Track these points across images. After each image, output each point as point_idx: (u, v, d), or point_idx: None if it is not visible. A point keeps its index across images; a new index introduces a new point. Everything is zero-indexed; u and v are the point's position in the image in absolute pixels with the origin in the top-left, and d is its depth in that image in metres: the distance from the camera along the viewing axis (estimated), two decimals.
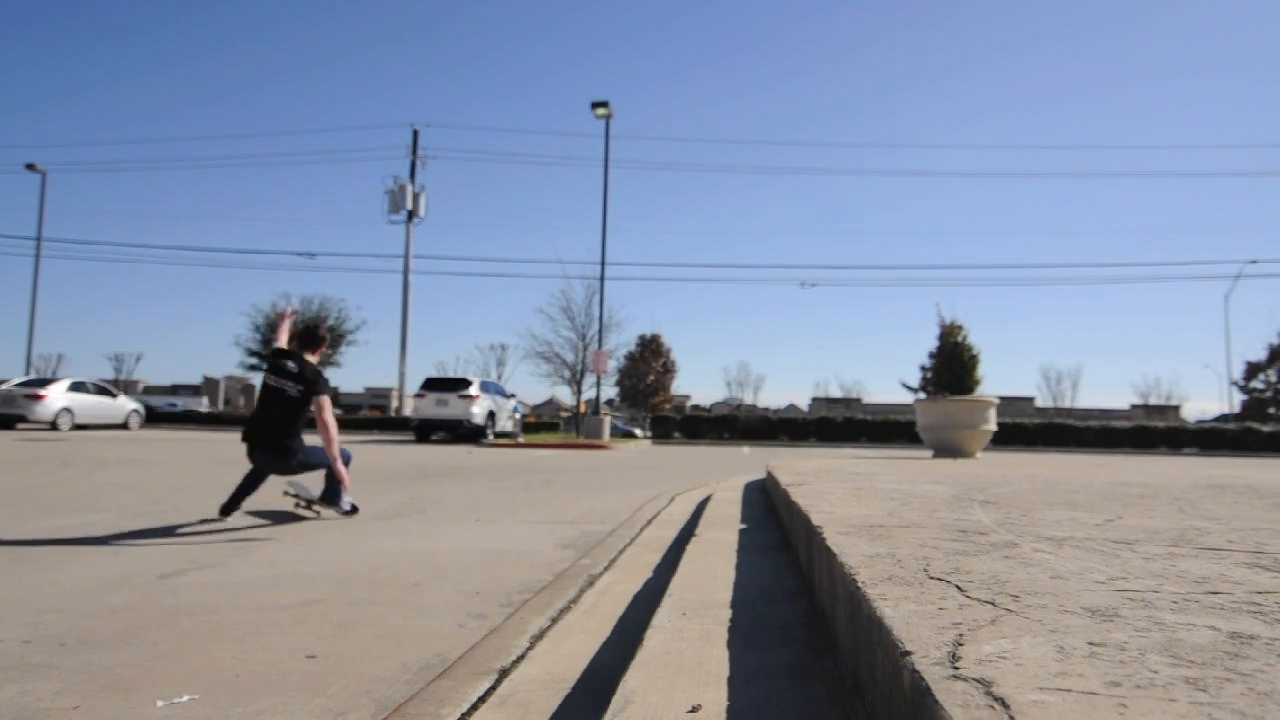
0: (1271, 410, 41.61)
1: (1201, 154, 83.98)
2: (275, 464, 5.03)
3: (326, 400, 5.10)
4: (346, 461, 5.19)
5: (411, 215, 35.01)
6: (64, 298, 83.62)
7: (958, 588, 1.61)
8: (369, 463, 11.05)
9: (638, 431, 21.32)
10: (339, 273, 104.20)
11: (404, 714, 1.88)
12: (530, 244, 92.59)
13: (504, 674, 2.16)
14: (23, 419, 19.83)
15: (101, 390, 22.50)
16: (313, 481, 5.31)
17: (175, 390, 57.55)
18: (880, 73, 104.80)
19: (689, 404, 62.35)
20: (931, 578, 1.71)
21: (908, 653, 1.15)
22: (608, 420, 22.32)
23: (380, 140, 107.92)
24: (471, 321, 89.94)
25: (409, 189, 34.85)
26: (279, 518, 5.12)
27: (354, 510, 5.27)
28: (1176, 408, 60.30)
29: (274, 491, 5.38)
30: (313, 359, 5.26)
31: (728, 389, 71.34)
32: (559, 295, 27.52)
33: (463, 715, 1.87)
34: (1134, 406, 60.93)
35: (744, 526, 4.33)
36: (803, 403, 72.55)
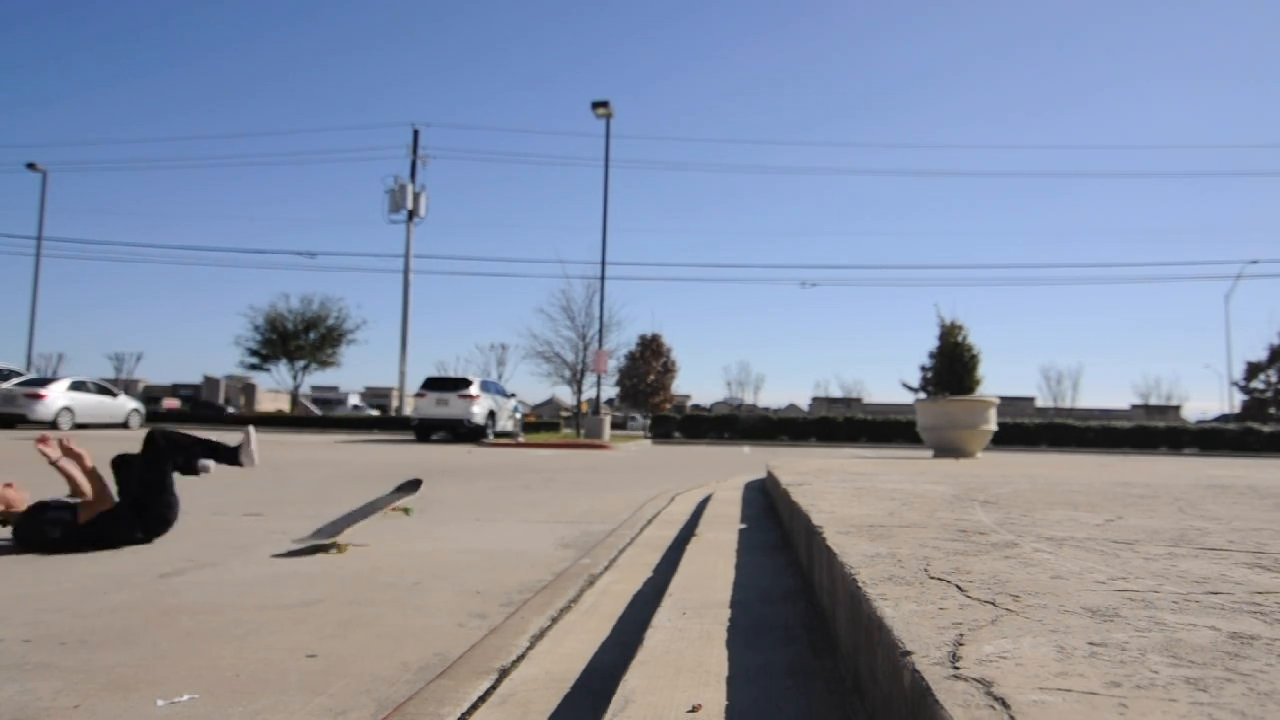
0: (1272, 410, 41.57)
1: (1201, 154, 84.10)
2: None
3: None
4: None
5: (412, 215, 35.03)
6: (65, 297, 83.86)
7: (958, 588, 1.61)
8: (369, 462, 11.05)
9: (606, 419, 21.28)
10: (339, 272, 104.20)
11: (404, 713, 1.88)
12: (530, 244, 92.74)
13: (504, 673, 2.16)
14: (23, 418, 19.83)
15: (102, 389, 22.52)
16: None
17: (176, 389, 57.61)
18: (881, 73, 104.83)
19: (689, 404, 62.33)
20: (932, 578, 1.71)
21: (908, 653, 1.15)
22: (608, 420, 22.31)
23: (380, 140, 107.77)
24: (471, 321, 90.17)
25: (409, 188, 34.85)
26: (277, 518, 5.11)
27: None
28: (1177, 408, 60.30)
29: (272, 493, 5.38)
30: None
31: (728, 389, 71.41)
32: (559, 295, 27.53)
33: (463, 715, 1.87)
34: (1134, 406, 60.92)
35: (744, 526, 4.33)
36: (803, 402, 72.58)
